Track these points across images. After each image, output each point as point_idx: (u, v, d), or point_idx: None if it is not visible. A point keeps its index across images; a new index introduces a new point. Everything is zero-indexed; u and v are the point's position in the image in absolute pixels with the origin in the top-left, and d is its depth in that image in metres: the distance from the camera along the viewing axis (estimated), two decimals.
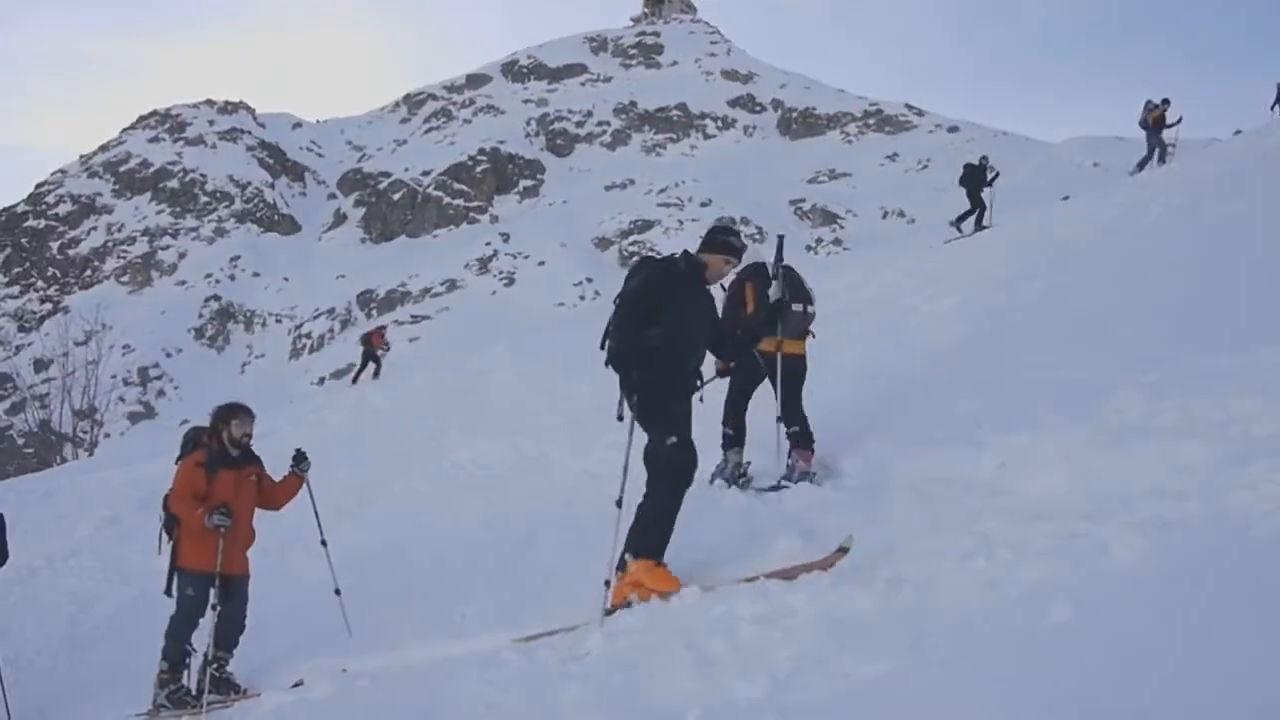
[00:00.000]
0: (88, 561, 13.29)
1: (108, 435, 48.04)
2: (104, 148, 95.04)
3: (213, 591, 7.92)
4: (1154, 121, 25.01)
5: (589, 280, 69.96)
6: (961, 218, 24.44)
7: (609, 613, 6.06)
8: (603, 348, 6.59)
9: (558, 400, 14.82)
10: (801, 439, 7.96)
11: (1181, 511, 4.47)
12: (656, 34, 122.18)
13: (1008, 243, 17.39)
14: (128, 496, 15.89)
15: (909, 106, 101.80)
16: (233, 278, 79.65)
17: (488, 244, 77.05)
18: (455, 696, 5.30)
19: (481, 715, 4.99)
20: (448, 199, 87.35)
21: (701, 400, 8.64)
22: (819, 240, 74.09)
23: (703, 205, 79.14)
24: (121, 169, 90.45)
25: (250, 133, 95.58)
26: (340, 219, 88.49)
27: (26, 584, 12.72)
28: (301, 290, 77.21)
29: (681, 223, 76.91)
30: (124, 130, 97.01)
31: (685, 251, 6.91)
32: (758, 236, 75.44)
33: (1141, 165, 24.93)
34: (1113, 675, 3.32)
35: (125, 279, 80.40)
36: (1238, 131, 24.39)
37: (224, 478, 8.01)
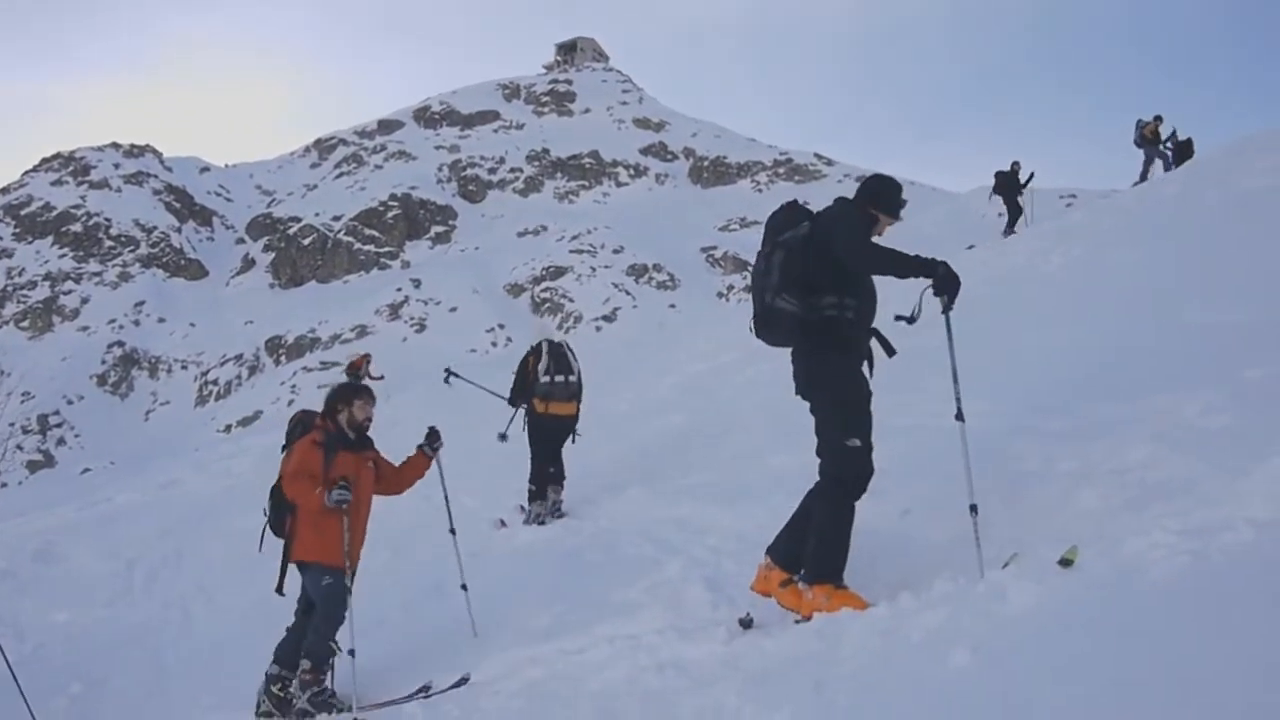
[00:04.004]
0: None
1: (4, 485, 46.64)
2: (4, 190, 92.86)
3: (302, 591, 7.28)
4: (1149, 136, 25.53)
5: (501, 327, 69.68)
6: (1010, 226, 24.95)
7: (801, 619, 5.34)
8: (756, 330, 5.69)
9: (469, 449, 14.72)
10: (555, 478, 10.60)
11: (1078, 557, 4.55)
12: (569, 82, 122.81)
13: (913, 290, 17.66)
14: (22, 549, 15.42)
15: (818, 156, 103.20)
16: (137, 323, 78.02)
17: (399, 290, 76.44)
18: None
19: None
20: (358, 244, 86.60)
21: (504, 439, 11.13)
22: (730, 287, 74.58)
23: (615, 252, 79.35)
24: (22, 212, 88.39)
25: (157, 176, 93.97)
26: (249, 264, 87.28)
27: None
28: (208, 336, 75.86)
29: (594, 269, 77.04)
30: (25, 173, 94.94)
31: (844, 200, 5.77)
32: (669, 283, 75.83)
33: (1143, 177, 25.31)
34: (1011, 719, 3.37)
35: (25, 324, 78.38)
36: (1137, 182, 24.99)
37: (343, 459, 7.23)
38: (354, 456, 7.34)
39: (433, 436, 7.98)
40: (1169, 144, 25.55)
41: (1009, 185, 25.17)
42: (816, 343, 5.54)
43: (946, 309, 5.28)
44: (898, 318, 5.43)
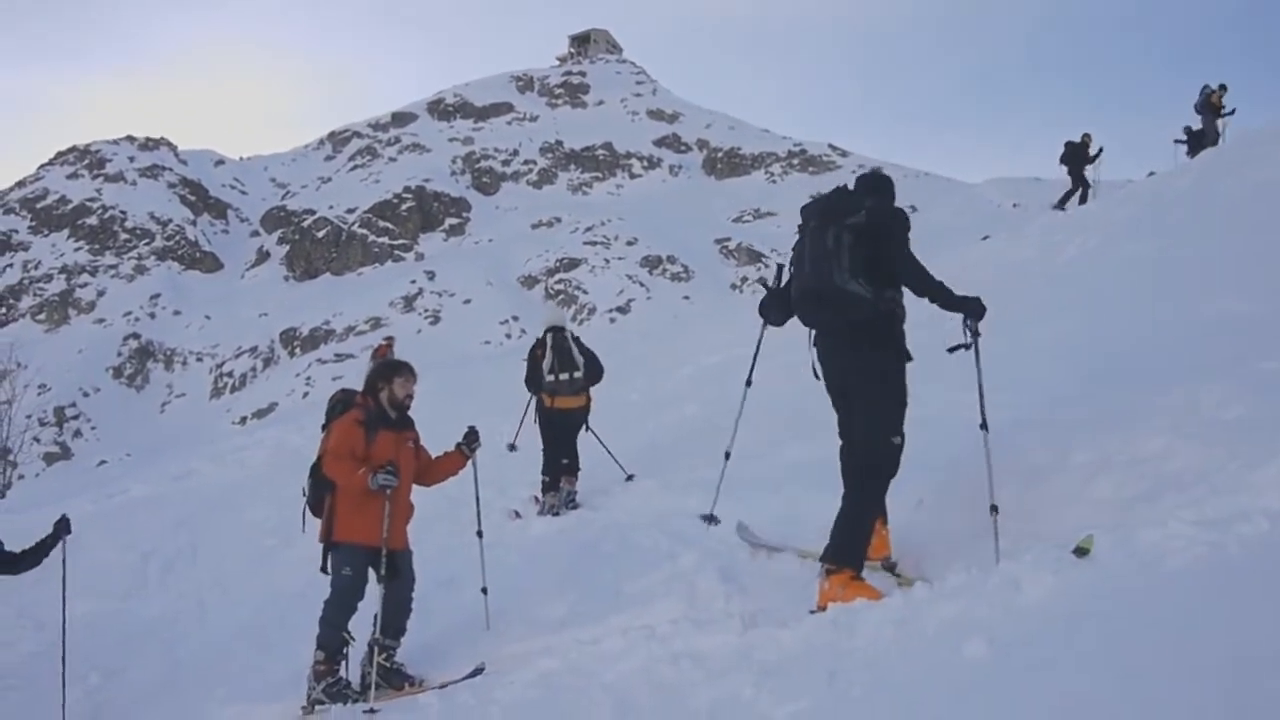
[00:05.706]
0: None
1: (22, 477, 46.68)
2: (20, 184, 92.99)
3: (373, 570, 7.02)
4: (1214, 106, 25.26)
5: (515, 318, 69.62)
6: (1063, 200, 24.77)
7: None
8: (807, 307, 5.73)
9: (482, 440, 14.74)
10: (569, 469, 10.74)
11: (1093, 547, 4.54)
12: (583, 73, 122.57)
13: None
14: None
15: (832, 147, 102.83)
16: (153, 316, 78.07)
17: (413, 282, 76.43)
18: None
19: None
20: (373, 237, 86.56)
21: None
22: (744, 279, 74.31)
23: (629, 244, 79.22)
24: (39, 205, 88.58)
25: (171, 169, 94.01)
26: (263, 257, 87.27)
27: None
28: (223, 328, 75.90)
29: (608, 261, 76.94)
30: (41, 166, 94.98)
31: (885, 201, 5.87)
32: (683, 275, 75.75)
33: (1196, 151, 25.05)
34: (1025, 710, 3.37)
35: (42, 317, 78.62)
36: (1151, 173, 24.83)
37: (384, 438, 7.14)
38: (394, 435, 7.25)
39: (471, 437, 7.86)
40: (1227, 113, 25.33)
41: (1077, 157, 25.08)
42: (879, 336, 5.59)
43: (976, 333, 5.61)
44: (951, 349, 5.69)
